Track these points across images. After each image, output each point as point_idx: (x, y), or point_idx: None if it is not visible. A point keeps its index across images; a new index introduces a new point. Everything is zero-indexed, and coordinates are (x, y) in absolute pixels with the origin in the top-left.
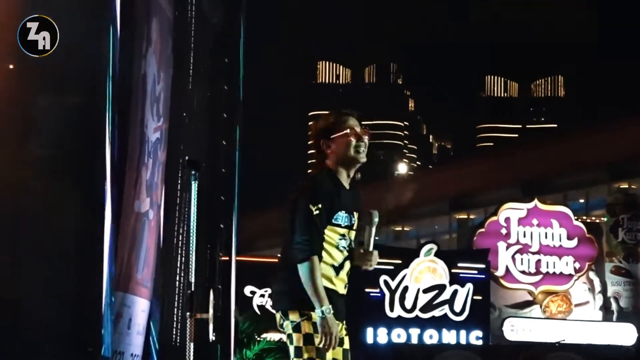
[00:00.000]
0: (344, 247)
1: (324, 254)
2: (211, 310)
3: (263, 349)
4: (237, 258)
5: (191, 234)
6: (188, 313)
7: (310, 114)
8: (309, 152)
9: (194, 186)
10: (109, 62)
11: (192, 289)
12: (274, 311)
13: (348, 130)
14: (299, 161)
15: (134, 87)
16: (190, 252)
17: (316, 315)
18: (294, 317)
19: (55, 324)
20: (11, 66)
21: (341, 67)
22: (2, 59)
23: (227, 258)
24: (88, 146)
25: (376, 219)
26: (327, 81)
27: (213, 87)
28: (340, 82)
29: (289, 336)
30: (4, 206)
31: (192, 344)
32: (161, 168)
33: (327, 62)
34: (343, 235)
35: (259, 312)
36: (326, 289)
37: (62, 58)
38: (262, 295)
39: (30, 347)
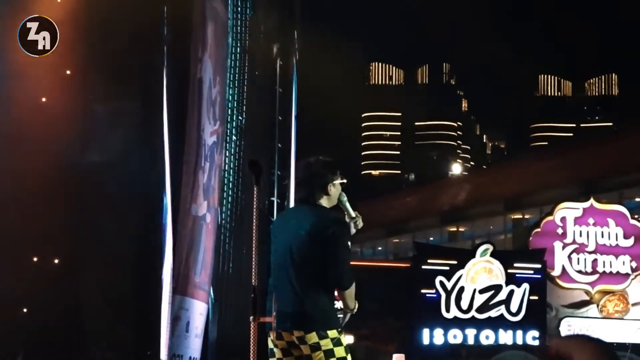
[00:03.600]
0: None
1: None
2: (274, 314)
3: None
4: None
5: (253, 237)
6: (251, 317)
7: (363, 115)
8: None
9: (256, 188)
10: (164, 66)
11: (255, 293)
12: (288, 332)
13: (343, 180)
14: (353, 164)
15: (190, 91)
16: (253, 255)
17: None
18: (333, 334)
19: (114, 329)
20: (68, 72)
21: (394, 67)
22: (59, 66)
23: None
24: (145, 151)
25: (343, 198)
26: (380, 82)
27: (268, 89)
28: (393, 83)
29: (329, 352)
30: (62, 213)
31: (255, 348)
32: (218, 171)
33: (380, 64)
34: None
35: None
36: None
37: (119, 64)
38: None
39: (90, 352)
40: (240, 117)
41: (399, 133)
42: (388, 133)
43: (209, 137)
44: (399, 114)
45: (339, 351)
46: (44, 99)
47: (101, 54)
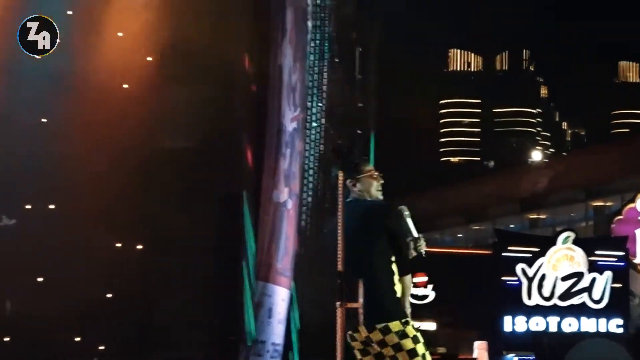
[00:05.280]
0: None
1: (393, 268)
2: (361, 300)
3: None
4: None
5: (337, 222)
6: (338, 302)
7: (441, 102)
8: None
9: (340, 174)
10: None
11: (340, 278)
12: (357, 332)
13: (371, 173)
14: (432, 150)
15: (271, 78)
16: (338, 240)
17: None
18: (396, 327)
19: (198, 315)
20: (149, 58)
21: (472, 54)
22: (138, 52)
23: None
24: (226, 137)
25: (406, 212)
26: (458, 69)
27: (348, 76)
28: (472, 69)
29: (396, 345)
30: (144, 199)
31: (342, 334)
32: (299, 158)
33: (459, 50)
34: None
35: None
36: (399, 299)
37: (200, 51)
38: None
39: (175, 338)
40: (320, 104)
41: (478, 120)
42: (467, 120)
43: (290, 124)
44: (478, 101)
45: (407, 343)
46: (125, 86)
47: (182, 40)
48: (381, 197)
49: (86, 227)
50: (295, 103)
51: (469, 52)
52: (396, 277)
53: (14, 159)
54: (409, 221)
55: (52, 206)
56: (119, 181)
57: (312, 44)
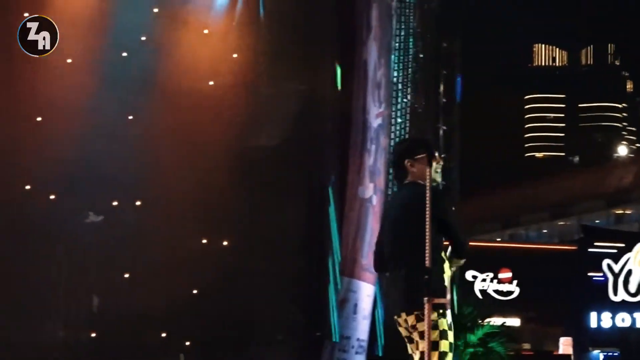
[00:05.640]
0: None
1: (443, 255)
2: (449, 296)
3: (487, 333)
4: None
5: (425, 218)
6: (425, 298)
7: (526, 97)
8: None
9: (428, 168)
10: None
11: (428, 274)
12: (399, 317)
13: (430, 153)
14: (516, 146)
15: (355, 74)
16: (426, 236)
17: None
18: (432, 316)
19: (283, 311)
20: (235, 55)
21: (557, 49)
22: (227, 50)
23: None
24: (311, 135)
25: None
26: (543, 64)
27: (432, 71)
28: (557, 64)
29: (423, 333)
30: (230, 196)
31: (429, 329)
32: (383, 154)
33: (543, 45)
34: None
35: (480, 296)
36: (446, 288)
37: (286, 48)
38: (484, 280)
39: (261, 334)
40: (405, 100)
41: (562, 115)
42: (552, 115)
43: (375, 120)
44: (563, 96)
45: (435, 335)
46: (211, 83)
47: (268, 37)
48: (439, 180)
49: (172, 224)
50: (380, 99)
51: (554, 47)
52: (446, 265)
53: (102, 156)
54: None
55: (138, 203)
56: (205, 178)
57: (397, 40)
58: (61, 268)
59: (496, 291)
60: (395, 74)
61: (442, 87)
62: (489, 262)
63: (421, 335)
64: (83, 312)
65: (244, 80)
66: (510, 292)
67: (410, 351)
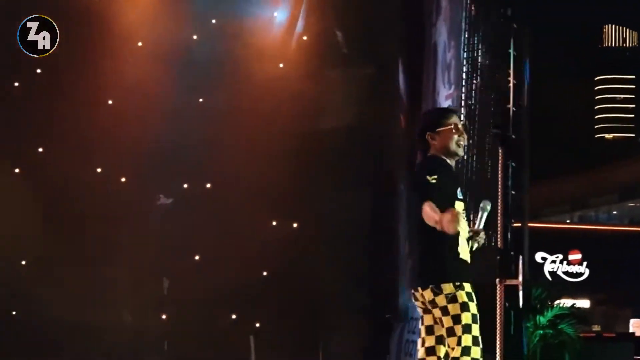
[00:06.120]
0: (466, 220)
1: (459, 229)
2: (520, 277)
3: (556, 314)
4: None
5: (498, 199)
6: (497, 279)
7: (596, 78)
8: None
9: (501, 149)
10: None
11: (500, 256)
12: (416, 291)
13: (452, 126)
14: (586, 127)
15: (425, 56)
16: (498, 217)
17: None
18: (448, 289)
19: (352, 293)
20: (305, 38)
21: (627, 30)
22: (293, 32)
23: (520, 225)
24: (380, 117)
25: (488, 207)
26: (613, 45)
27: (501, 52)
28: (627, 45)
29: (444, 308)
30: (298, 178)
31: (501, 310)
32: None
33: (613, 26)
34: (465, 209)
35: (550, 278)
36: (463, 261)
37: (354, 30)
38: (554, 262)
39: (329, 316)
40: (474, 81)
41: (632, 96)
42: (621, 96)
43: (444, 101)
44: (633, 77)
45: (454, 308)
46: (281, 65)
47: (336, 20)
48: (462, 154)
49: (242, 206)
50: (449, 80)
51: (624, 28)
52: (462, 237)
53: (172, 139)
54: (482, 215)
55: (208, 185)
56: (274, 161)
57: (466, 21)
58: (131, 251)
59: (566, 273)
60: (465, 55)
61: (511, 69)
62: (559, 244)
63: (443, 310)
64: (153, 295)
65: (313, 62)
66: (580, 274)
67: (427, 322)
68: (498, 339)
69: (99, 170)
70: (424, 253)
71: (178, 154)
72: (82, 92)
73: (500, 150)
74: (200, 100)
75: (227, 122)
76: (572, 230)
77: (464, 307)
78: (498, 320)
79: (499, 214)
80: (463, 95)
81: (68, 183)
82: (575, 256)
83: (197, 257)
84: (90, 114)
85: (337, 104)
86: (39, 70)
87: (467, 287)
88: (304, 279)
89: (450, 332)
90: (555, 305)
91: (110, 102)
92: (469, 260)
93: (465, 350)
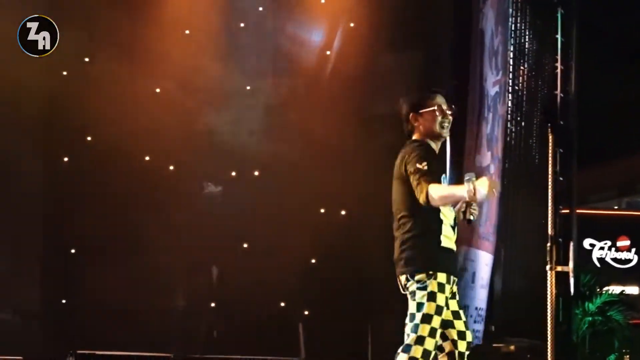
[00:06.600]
0: (451, 206)
1: (442, 216)
2: (571, 264)
3: (605, 301)
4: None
5: (549, 187)
6: (548, 266)
7: None
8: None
9: (551, 137)
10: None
11: (551, 242)
12: (402, 276)
13: (435, 107)
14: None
15: (472, 42)
16: (549, 203)
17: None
18: (420, 277)
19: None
20: (352, 24)
21: None
22: (343, 19)
23: (568, 211)
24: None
25: (474, 179)
26: None
27: (549, 38)
28: None
29: (412, 293)
30: (347, 165)
31: (552, 298)
32: (501, 121)
33: None
34: None
35: (598, 265)
36: (447, 249)
37: (403, 16)
38: (602, 248)
39: (380, 304)
40: (522, 67)
41: None
42: None
43: (492, 88)
44: None
45: (422, 296)
46: (328, 52)
47: (384, 5)
48: (445, 136)
49: (290, 193)
50: (497, 67)
51: None
52: (446, 225)
53: (219, 127)
54: (470, 181)
55: (256, 173)
56: (321, 147)
57: (514, 7)
58: (179, 239)
59: (614, 259)
60: (512, 41)
61: (559, 55)
62: (607, 230)
63: (411, 295)
64: (202, 282)
65: (361, 49)
66: (628, 260)
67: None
68: (549, 326)
69: (147, 158)
70: (404, 240)
71: (226, 141)
72: (130, 80)
73: (550, 137)
74: (248, 88)
75: (274, 109)
76: (620, 216)
77: (431, 296)
78: (549, 307)
79: (550, 201)
80: (510, 81)
81: (117, 171)
82: (624, 242)
83: (245, 245)
84: (138, 102)
85: (386, 90)
86: (86, 59)
87: (441, 277)
88: (352, 266)
89: (412, 317)
90: (604, 292)
91: (157, 90)
92: (454, 248)
93: (420, 340)
